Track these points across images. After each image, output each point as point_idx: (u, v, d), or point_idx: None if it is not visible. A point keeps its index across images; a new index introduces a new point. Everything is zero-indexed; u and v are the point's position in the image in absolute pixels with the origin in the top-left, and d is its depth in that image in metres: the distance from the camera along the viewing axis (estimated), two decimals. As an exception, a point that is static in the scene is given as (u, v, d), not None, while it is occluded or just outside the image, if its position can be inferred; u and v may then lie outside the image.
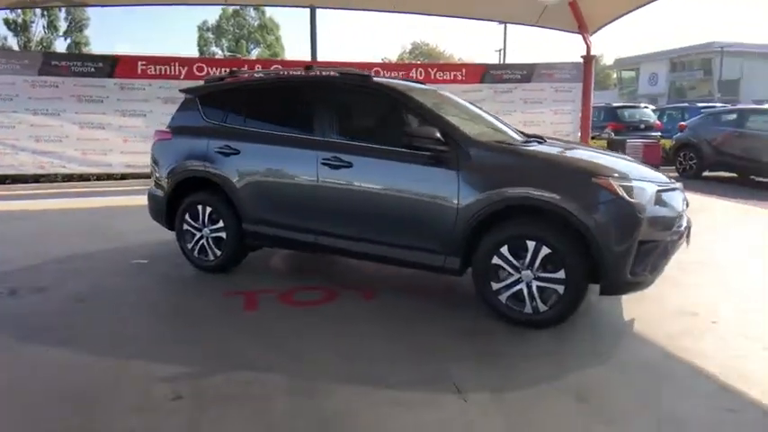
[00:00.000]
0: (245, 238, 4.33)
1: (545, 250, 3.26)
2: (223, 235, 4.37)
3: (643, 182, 3.33)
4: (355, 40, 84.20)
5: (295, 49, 63.48)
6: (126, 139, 9.54)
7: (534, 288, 3.32)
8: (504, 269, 3.39)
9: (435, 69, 10.55)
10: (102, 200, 8.24)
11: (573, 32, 10.49)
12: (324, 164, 3.85)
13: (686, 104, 17.57)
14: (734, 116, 10.50)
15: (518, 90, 10.80)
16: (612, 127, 13.32)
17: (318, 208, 3.93)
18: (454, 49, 78.99)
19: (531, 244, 3.29)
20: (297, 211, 4.05)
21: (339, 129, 3.96)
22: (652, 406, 2.57)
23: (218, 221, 4.38)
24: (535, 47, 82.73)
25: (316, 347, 3.16)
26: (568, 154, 3.69)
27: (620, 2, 9.71)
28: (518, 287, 3.37)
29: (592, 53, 10.55)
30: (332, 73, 4.22)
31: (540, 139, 4.18)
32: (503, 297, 3.42)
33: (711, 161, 10.54)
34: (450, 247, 3.53)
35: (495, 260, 3.40)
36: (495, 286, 3.43)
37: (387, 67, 10.54)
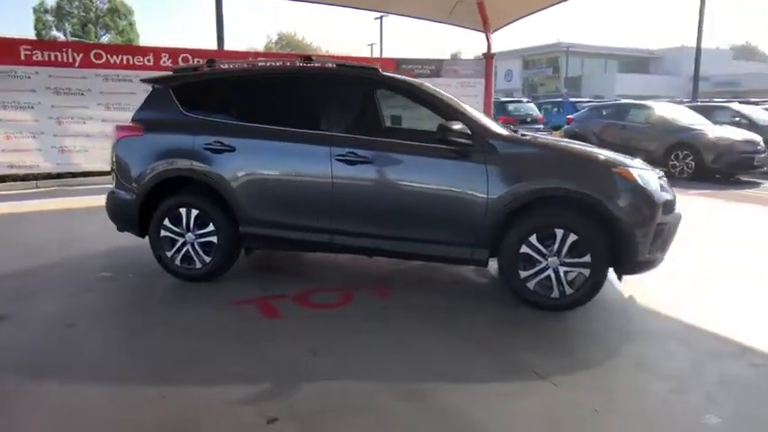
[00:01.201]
0: (243, 241, 4.01)
1: (572, 237, 3.47)
2: (213, 239, 4.00)
3: (647, 171, 3.69)
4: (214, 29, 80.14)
5: (153, 36, 58.64)
6: (8, 135, 8.21)
7: (561, 273, 3.53)
8: (531, 257, 3.55)
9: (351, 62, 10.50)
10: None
11: (477, 30, 11.08)
12: (339, 160, 3.70)
13: (560, 99, 19.46)
14: (613, 110, 11.88)
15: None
16: (503, 120, 14.34)
17: (333, 206, 3.78)
18: (322, 41, 78.53)
19: (559, 232, 3.49)
20: (307, 210, 3.85)
21: (349, 123, 3.84)
22: (700, 370, 2.90)
23: (206, 225, 4.00)
24: (408, 41, 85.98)
25: (372, 348, 3.07)
26: (577, 146, 3.94)
27: (520, 6, 10.49)
28: (545, 273, 3.55)
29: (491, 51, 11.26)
30: (334, 65, 4.05)
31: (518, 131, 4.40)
32: (530, 284, 3.59)
33: (596, 150, 11.83)
34: (479, 239, 3.61)
35: (524, 249, 3.55)
36: (523, 274, 3.58)
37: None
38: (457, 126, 3.50)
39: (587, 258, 3.48)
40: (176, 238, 4.06)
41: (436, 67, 11.40)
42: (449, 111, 3.75)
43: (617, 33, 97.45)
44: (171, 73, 4.39)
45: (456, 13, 10.57)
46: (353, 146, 3.70)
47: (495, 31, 11.29)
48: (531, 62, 50.00)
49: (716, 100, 15.12)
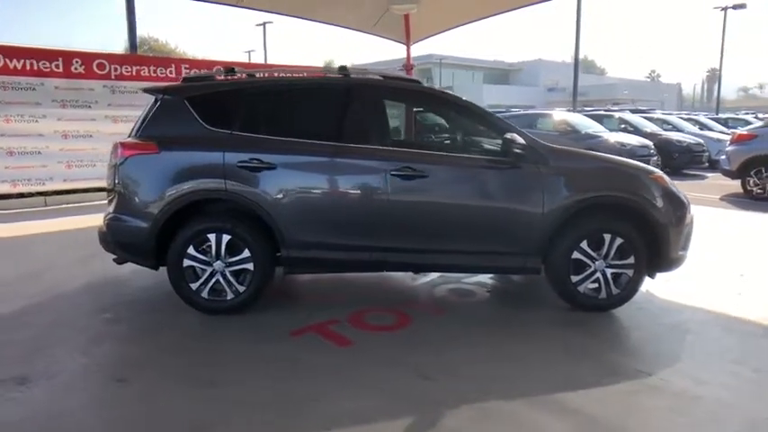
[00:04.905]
0: (285, 266, 3.71)
1: (618, 240, 3.71)
2: (248, 266, 3.65)
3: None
4: (68, 32, 72.91)
5: None
6: None
7: (609, 275, 3.75)
8: (582, 262, 3.73)
9: (292, 71, 10.14)
10: None
11: (399, 42, 11.36)
12: (395, 175, 3.58)
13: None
14: (523, 119, 12.79)
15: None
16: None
17: (389, 223, 3.64)
18: (188, 46, 74.63)
19: (607, 237, 3.70)
20: (360, 228, 3.66)
21: (400, 136, 3.73)
22: (756, 350, 3.26)
23: (240, 251, 3.63)
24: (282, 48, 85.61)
25: (472, 364, 3.04)
26: (612, 156, 4.18)
27: (440, 21, 10.94)
28: (595, 276, 3.75)
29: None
30: (379, 77, 3.90)
31: None
32: (582, 288, 3.76)
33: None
34: (534, 248, 3.71)
35: (576, 255, 3.71)
36: (575, 279, 3.75)
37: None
38: (519, 138, 3.56)
39: (631, 260, 3.74)
40: (203, 267, 3.63)
41: (360, 78, 11.41)
42: (500, 123, 3.81)
43: (478, 45, 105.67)
44: (180, 83, 3.91)
45: (381, 26, 10.73)
46: (410, 160, 3.60)
47: (415, 43, 11.67)
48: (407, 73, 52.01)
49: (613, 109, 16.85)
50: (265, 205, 3.57)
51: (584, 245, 3.71)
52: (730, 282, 4.58)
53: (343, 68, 3.93)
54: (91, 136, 8.17)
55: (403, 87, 3.94)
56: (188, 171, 3.59)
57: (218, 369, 2.98)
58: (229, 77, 3.90)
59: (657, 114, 17.13)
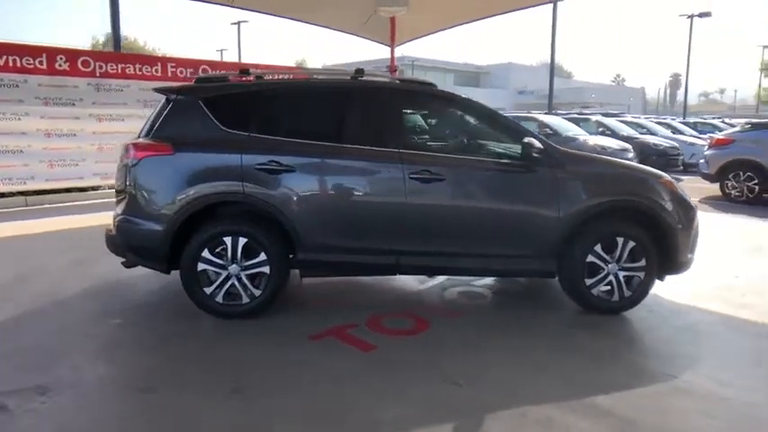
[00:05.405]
0: (302, 269, 3.66)
1: (631, 244, 3.78)
2: (265, 270, 3.59)
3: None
4: (35, 29, 70.60)
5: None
6: None
7: (621, 278, 3.82)
8: (596, 265, 3.79)
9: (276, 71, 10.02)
10: None
11: (384, 44, 11.35)
12: (413, 178, 3.57)
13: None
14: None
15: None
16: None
17: (406, 226, 3.63)
18: (158, 43, 73.09)
19: (620, 240, 3.77)
20: (377, 231, 3.64)
21: (416, 140, 3.74)
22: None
23: (256, 254, 3.57)
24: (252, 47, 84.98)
25: (498, 368, 3.05)
26: (624, 161, 4.25)
27: (424, 24, 10.99)
28: (608, 279, 3.82)
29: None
30: (395, 80, 3.88)
31: None
32: (595, 291, 3.82)
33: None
34: (549, 251, 3.75)
35: (590, 258, 3.77)
36: (589, 282, 3.80)
37: (214, 66, 9.45)
38: (537, 143, 3.60)
39: (643, 262, 3.81)
40: (219, 271, 3.56)
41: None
42: (515, 127, 3.84)
43: (448, 48, 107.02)
44: (194, 84, 3.82)
45: (368, 27, 10.71)
46: (428, 164, 3.60)
47: (399, 45, 11.69)
48: (379, 74, 52.01)
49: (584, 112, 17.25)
50: (283, 208, 3.52)
51: (597, 248, 3.76)
52: (729, 283, 4.72)
53: (359, 72, 3.90)
54: (75, 134, 7.91)
55: (420, 91, 3.93)
56: (205, 173, 3.52)
57: (240, 375, 2.92)
58: (245, 79, 3.83)
59: (629, 118, 17.58)
